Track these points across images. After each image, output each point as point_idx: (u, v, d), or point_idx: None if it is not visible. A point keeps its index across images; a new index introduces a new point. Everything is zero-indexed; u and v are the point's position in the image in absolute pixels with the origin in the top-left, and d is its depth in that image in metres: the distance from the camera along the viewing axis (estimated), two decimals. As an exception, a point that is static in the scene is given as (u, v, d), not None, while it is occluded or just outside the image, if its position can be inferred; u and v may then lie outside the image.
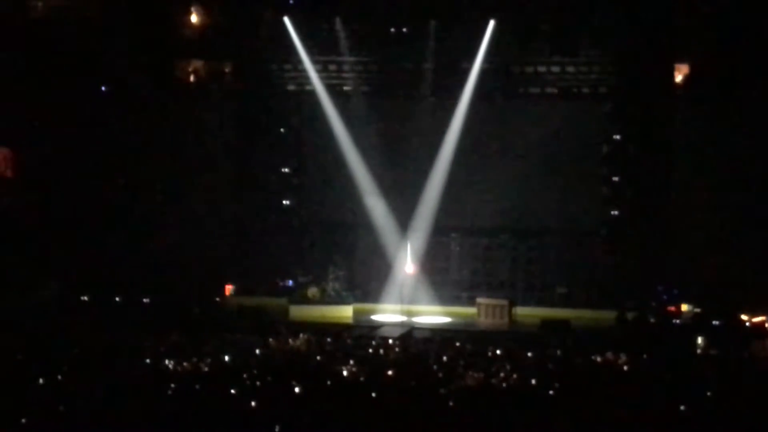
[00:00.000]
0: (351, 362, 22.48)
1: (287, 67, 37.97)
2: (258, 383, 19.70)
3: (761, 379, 21.74)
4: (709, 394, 19.22)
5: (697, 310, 33.23)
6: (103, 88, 38.55)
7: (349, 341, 27.69)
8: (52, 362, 21.47)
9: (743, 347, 27.28)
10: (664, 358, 24.69)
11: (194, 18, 38.63)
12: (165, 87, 38.39)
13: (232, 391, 18.36)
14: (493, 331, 31.91)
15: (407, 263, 34.92)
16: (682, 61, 36.29)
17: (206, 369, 21.57)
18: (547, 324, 32.22)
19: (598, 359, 24.62)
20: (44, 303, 33.57)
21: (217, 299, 36.09)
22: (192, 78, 39.38)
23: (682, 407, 17.41)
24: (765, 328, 31.39)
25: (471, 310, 34.49)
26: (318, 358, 23.80)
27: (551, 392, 19.63)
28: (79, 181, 37.29)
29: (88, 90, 37.87)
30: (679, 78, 36.31)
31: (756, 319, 31.80)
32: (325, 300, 34.65)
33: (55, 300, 34.23)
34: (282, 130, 38.93)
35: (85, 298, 34.93)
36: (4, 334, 26.23)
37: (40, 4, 37.23)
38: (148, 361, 22.50)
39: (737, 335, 29.88)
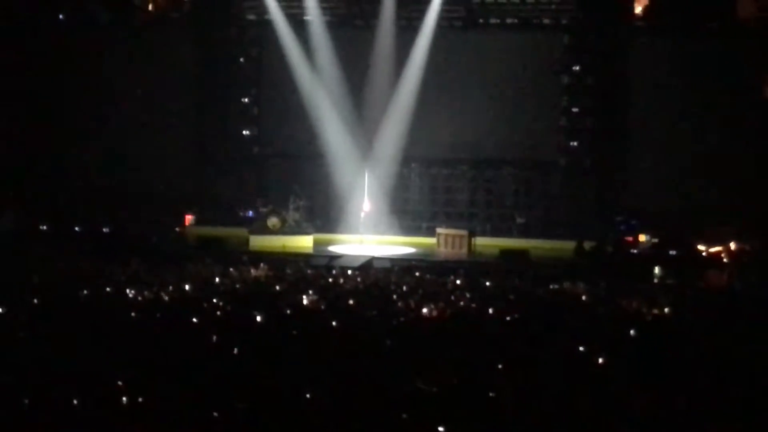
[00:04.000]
0: (311, 292, 22.58)
1: (247, -5, 37.83)
2: (219, 312, 19.79)
3: (714, 308, 22.04)
4: (663, 322, 19.55)
5: (655, 240, 33.54)
6: (60, 17, 38.23)
7: (309, 271, 27.77)
8: (10, 291, 21.45)
9: (699, 277, 27.62)
10: (621, 287, 24.94)
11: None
12: (124, 15, 38.11)
13: (194, 319, 18.43)
14: (453, 261, 32.08)
15: (364, 200, 34.99)
16: (641, -8, 36.47)
17: (167, 298, 21.62)
18: (505, 254, 32.46)
19: (557, 288, 24.87)
20: (2, 232, 33.47)
21: (177, 229, 36.08)
22: (151, 6, 39.08)
23: (632, 332, 17.67)
24: (721, 258, 31.76)
25: (431, 241, 34.67)
26: (278, 287, 23.88)
27: (508, 318, 19.85)
28: (37, 110, 37.08)
29: (47, 19, 37.54)
30: (638, 9, 36.43)
31: (712, 250, 32.16)
32: (285, 230, 34.68)
33: (12, 229, 34.09)
34: (242, 59, 38.82)
35: (44, 227, 34.81)
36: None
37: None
38: (108, 289, 22.53)
39: (693, 265, 30.21)
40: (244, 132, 39.12)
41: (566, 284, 25.04)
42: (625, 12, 36.48)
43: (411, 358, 15.44)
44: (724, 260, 31.37)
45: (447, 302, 21.43)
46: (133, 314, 18.94)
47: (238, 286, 23.97)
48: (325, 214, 36.63)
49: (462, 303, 21.69)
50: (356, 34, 37.56)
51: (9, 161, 35.89)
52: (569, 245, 33.14)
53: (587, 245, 32.81)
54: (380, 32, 36.87)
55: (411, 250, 34.27)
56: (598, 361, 15.48)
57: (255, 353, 15.55)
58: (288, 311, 20.01)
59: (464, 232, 34.00)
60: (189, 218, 36.79)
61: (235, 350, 15.65)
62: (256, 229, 34.81)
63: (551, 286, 25.09)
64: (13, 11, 35.71)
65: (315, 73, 37.04)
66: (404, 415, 12.81)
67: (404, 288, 24.10)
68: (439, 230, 34.61)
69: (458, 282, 25.52)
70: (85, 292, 21.84)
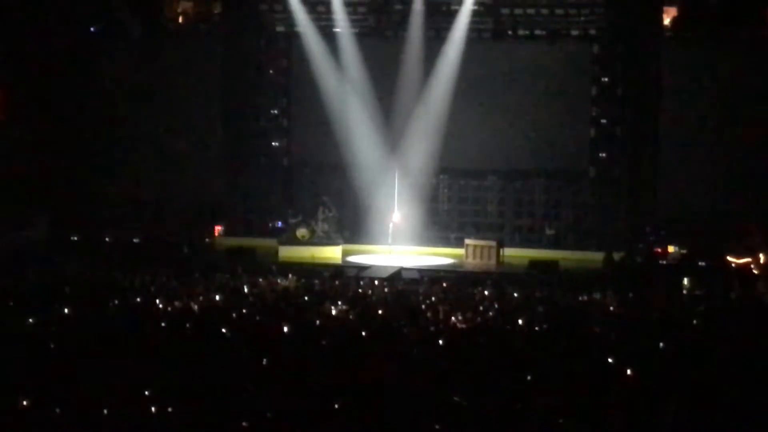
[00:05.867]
0: (339, 302, 22.65)
1: (277, 8, 37.89)
2: (248, 323, 19.86)
3: (746, 319, 21.97)
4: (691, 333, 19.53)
5: (684, 251, 33.43)
6: (92, 29, 38.49)
7: (337, 282, 27.83)
8: (42, 300, 21.60)
9: (729, 288, 27.50)
10: (649, 298, 24.91)
11: (183, -42, 38.61)
12: (154, 28, 38.33)
13: (223, 330, 18.51)
14: (481, 271, 32.05)
15: (394, 212, 35.06)
16: (670, 3, 36.36)
17: (196, 308, 21.72)
18: (534, 265, 32.40)
19: (585, 299, 24.84)
20: (33, 242, 33.67)
21: (207, 240, 36.24)
22: (181, 19, 39.28)
23: (661, 344, 17.64)
24: (750, 269, 31.62)
25: (459, 251, 34.66)
26: (306, 298, 23.96)
27: (537, 328, 19.87)
28: (68, 121, 37.32)
29: (78, 31, 37.79)
30: (667, 20, 36.39)
31: (741, 261, 32.03)
32: (314, 241, 34.74)
33: (44, 239, 34.31)
34: (271, 71, 38.95)
35: (75, 237, 35.00)
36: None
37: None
38: (138, 300, 22.65)
39: (723, 276, 30.08)
40: (273, 143, 39.25)
41: (595, 295, 25.01)
42: (654, 22, 36.40)
43: (440, 369, 15.48)
44: (754, 271, 31.24)
45: (475, 313, 21.45)
46: (162, 324, 19.06)
47: (267, 296, 24.05)
48: (353, 224, 36.68)
49: (490, 314, 21.71)
50: (385, 45, 37.63)
51: (40, 172, 36.10)
52: (598, 256, 33.04)
53: (616, 256, 32.70)
54: (409, 43, 36.90)
55: (441, 260, 34.26)
56: (626, 372, 15.47)
57: (284, 363, 15.61)
58: (317, 322, 20.08)
59: (493, 243, 33.96)
60: (218, 229, 36.94)
61: (264, 360, 15.73)
62: (285, 239, 34.91)
63: (580, 297, 25.06)
64: (45, 24, 35.96)
65: (344, 85, 37.13)
66: (436, 426, 12.86)
67: (432, 299, 24.12)
68: (467, 241, 34.56)
69: (486, 293, 25.52)
70: (116, 302, 21.98)
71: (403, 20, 37.20)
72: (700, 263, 32.00)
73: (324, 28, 37.53)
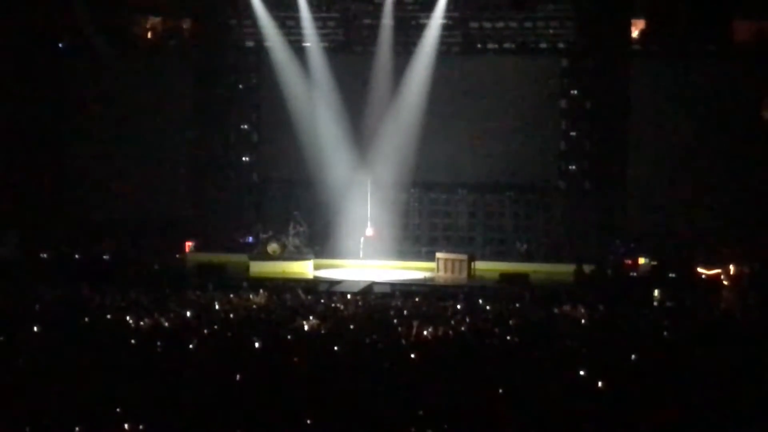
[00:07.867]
0: (311, 317, 22.59)
1: (246, 22, 37.96)
2: (219, 339, 19.78)
3: (715, 329, 22.05)
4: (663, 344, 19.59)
5: (654, 263, 33.53)
6: (60, 45, 38.37)
7: (309, 296, 27.77)
8: (11, 319, 21.47)
9: (700, 299, 27.61)
10: (620, 310, 24.96)
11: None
12: (123, 43, 38.25)
13: (194, 346, 18.43)
14: (453, 285, 32.07)
15: (367, 226, 35.08)
16: (638, 16, 36.58)
17: (167, 325, 21.62)
18: (506, 278, 32.44)
19: (556, 312, 24.86)
20: (3, 260, 33.46)
21: (177, 256, 36.10)
22: (149, 34, 39.21)
23: (633, 356, 17.68)
24: (720, 280, 31.74)
25: (430, 265, 34.66)
26: (278, 313, 23.87)
27: (509, 338, 19.89)
28: (37, 136, 37.14)
29: (46, 46, 37.65)
30: (635, 33, 36.61)
31: (711, 272, 32.14)
32: (285, 256, 34.65)
33: (14, 257, 34.09)
34: (241, 86, 38.95)
35: (45, 255, 34.80)
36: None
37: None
38: (108, 317, 22.52)
39: (693, 287, 30.20)
40: (243, 158, 39.24)
41: (566, 308, 25.05)
42: (623, 35, 36.63)
43: (411, 382, 15.46)
44: (724, 283, 31.37)
45: (447, 326, 21.44)
46: (133, 341, 18.96)
47: (238, 312, 23.96)
48: (324, 239, 36.64)
49: (462, 327, 21.70)
50: (354, 60, 37.70)
51: (10, 189, 35.91)
52: (569, 268, 33.10)
53: (587, 268, 32.76)
54: (378, 58, 37.00)
55: (412, 274, 34.23)
56: (598, 385, 15.49)
57: (256, 379, 15.56)
58: (288, 337, 20.02)
59: (464, 257, 33.99)
60: (189, 245, 36.81)
61: (237, 377, 15.67)
62: (256, 255, 34.80)
63: (551, 310, 25.08)
64: (13, 40, 35.82)
65: (314, 99, 37.13)
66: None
67: (404, 312, 24.09)
68: (438, 255, 34.58)
69: (458, 306, 25.51)
70: (86, 319, 21.86)
71: (372, 35, 37.30)
72: (670, 275, 32.09)
73: (293, 43, 37.58)
